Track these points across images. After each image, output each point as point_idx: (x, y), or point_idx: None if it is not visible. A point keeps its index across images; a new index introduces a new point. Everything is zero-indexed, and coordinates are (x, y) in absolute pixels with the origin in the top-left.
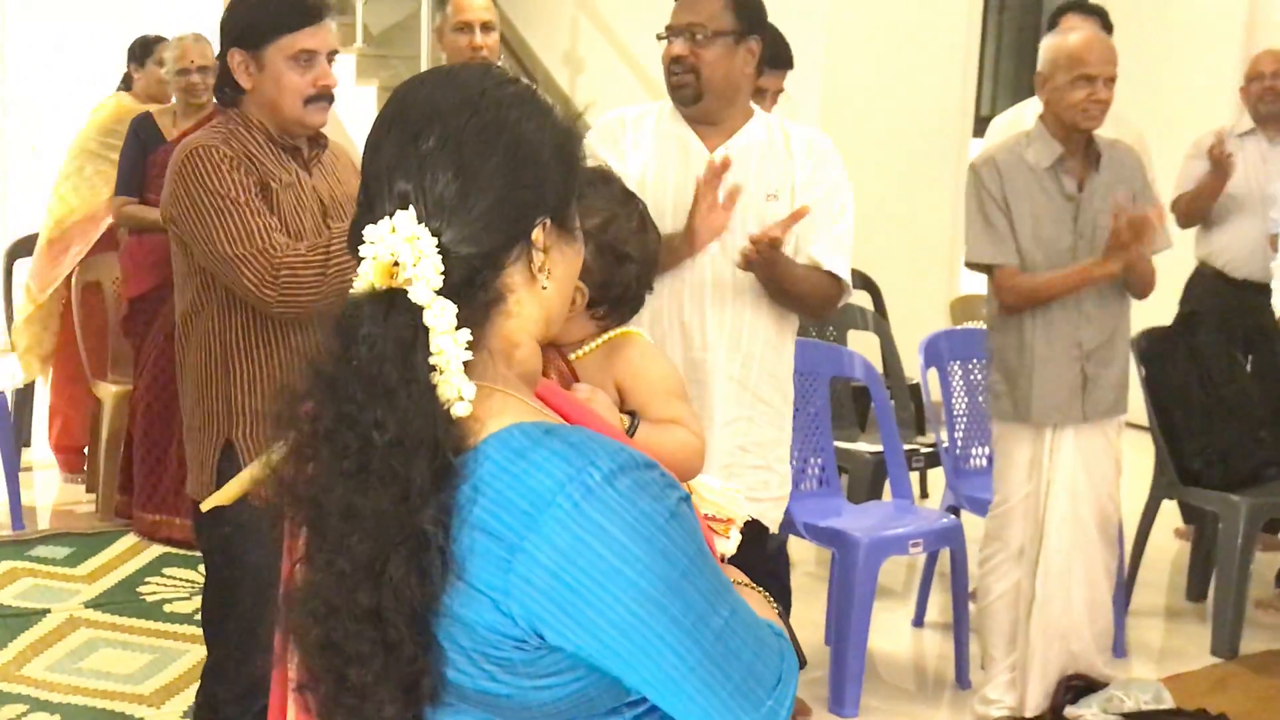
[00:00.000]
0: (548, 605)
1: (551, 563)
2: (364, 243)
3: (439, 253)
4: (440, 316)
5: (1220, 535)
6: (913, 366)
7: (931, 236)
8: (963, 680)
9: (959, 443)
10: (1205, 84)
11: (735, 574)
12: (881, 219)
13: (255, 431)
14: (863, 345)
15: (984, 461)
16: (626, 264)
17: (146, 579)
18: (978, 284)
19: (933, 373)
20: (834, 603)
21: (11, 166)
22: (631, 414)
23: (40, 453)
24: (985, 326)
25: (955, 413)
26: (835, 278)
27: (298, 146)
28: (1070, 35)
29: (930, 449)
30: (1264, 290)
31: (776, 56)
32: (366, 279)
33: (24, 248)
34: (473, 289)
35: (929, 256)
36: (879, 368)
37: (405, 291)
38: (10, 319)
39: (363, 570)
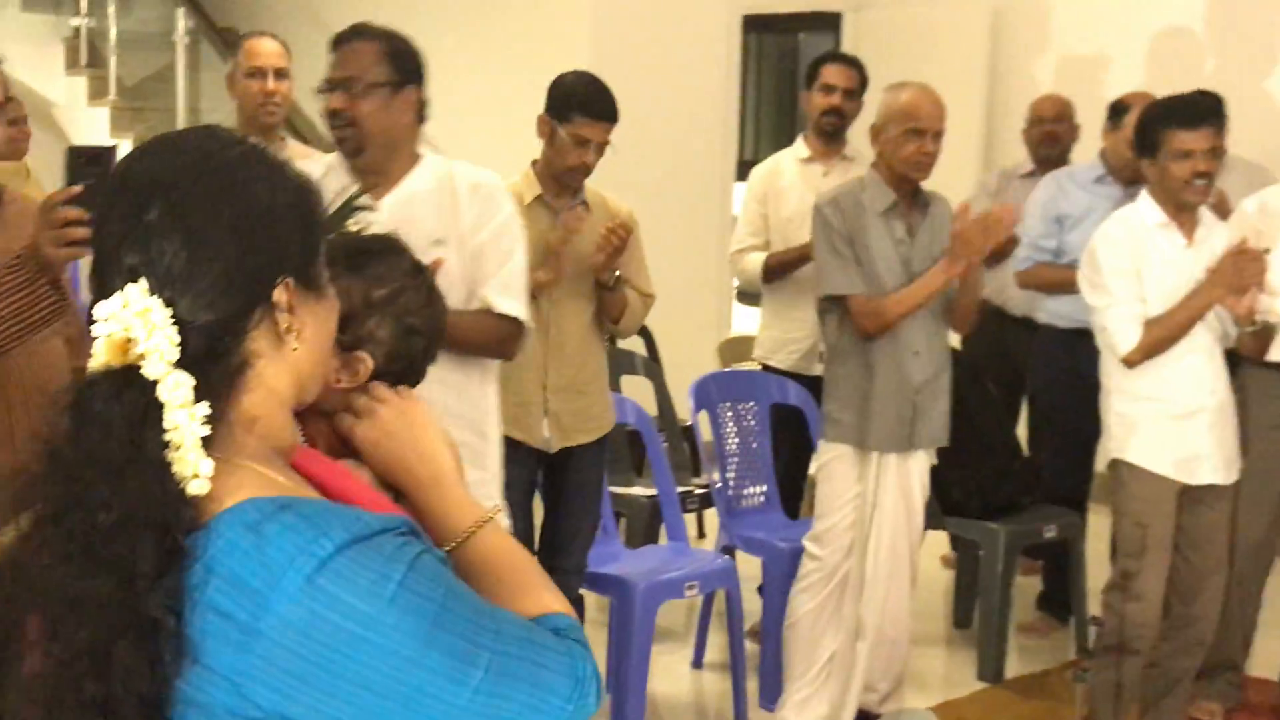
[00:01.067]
0: (293, 684)
1: (291, 641)
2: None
3: (174, 323)
4: (175, 390)
5: (981, 563)
6: (686, 409)
7: (701, 280)
8: (740, 718)
9: (731, 483)
10: (953, 127)
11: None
12: (650, 264)
13: None
14: (637, 390)
15: (759, 500)
16: (414, 336)
17: None
18: (748, 325)
19: (704, 415)
20: (613, 649)
21: None
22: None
23: None
24: (826, 360)
25: (728, 453)
26: (510, 318)
27: None
28: (902, 92)
29: (705, 490)
30: (1025, 326)
31: (601, 108)
32: (100, 357)
33: None
34: (214, 358)
35: (700, 300)
36: (654, 411)
37: (139, 367)
38: None
39: (88, 659)
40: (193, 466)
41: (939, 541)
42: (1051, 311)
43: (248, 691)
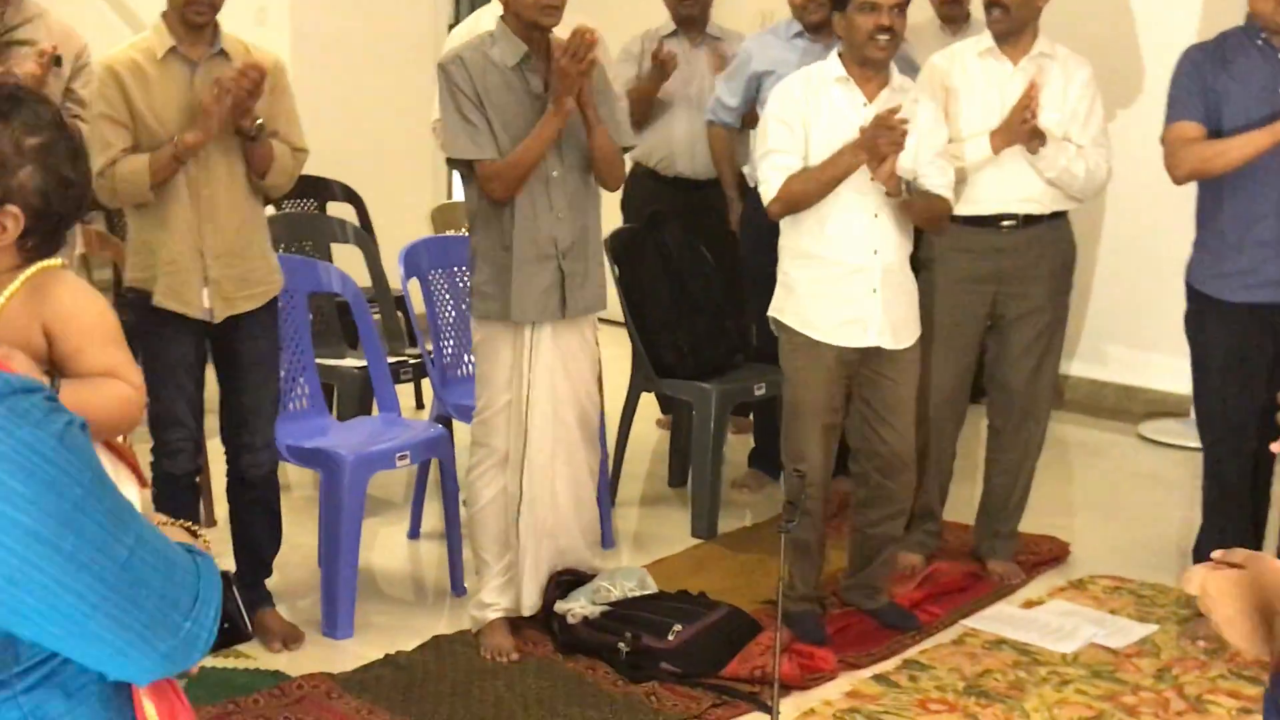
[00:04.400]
0: None
1: None
2: None
3: None
4: None
5: (694, 422)
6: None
7: (412, 145)
8: (457, 587)
9: (446, 353)
10: None
11: (159, 517)
12: (361, 130)
13: None
14: (347, 260)
15: (472, 369)
16: (69, 189)
17: None
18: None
19: (415, 283)
20: (323, 524)
21: None
22: (51, 374)
23: None
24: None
25: (441, 322)
26: None
27: None
28: None
29: (419, 360)
30: (704, 186)
31: None
32: None
33: None
34: None
35: (411, 166)
36: (366, 282)
37: None
38: None
39: None
40: None
41: (652, 404)
42: None
43: None
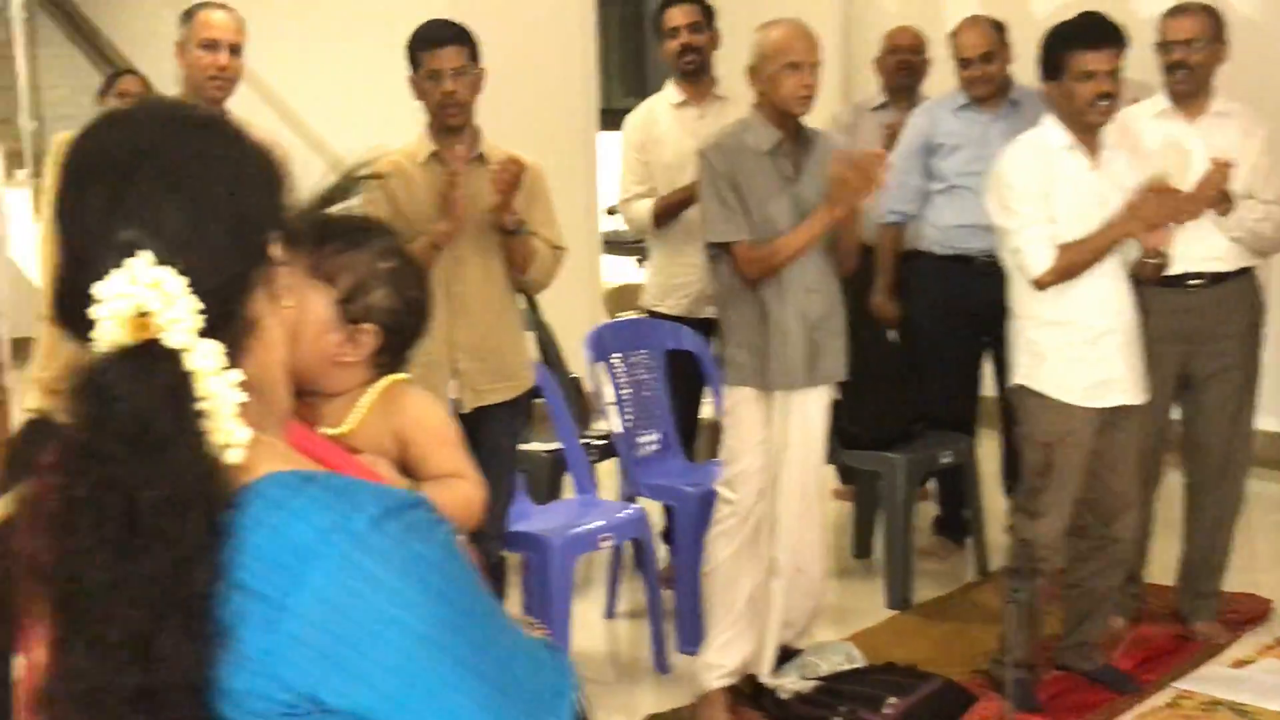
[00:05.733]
0: (321, 663)
1: (322, 617)
2: (88, 305)
3: (189, 290)
4: (207, 358)
5: (883, 492)
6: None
7: (571, 229)
8: (662, 665)
9: (634, 434)
10: None
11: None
12: None
13: None
14: None
15: (654, 448)
16: (414, 310)
17: None
18: (619, 274)
19: (600, 365)
20: (532, 607)
21: None
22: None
23: None
24: (715, 304)
25: (624, 403)
26: None
27: None
28: (773, 29)
29: (602, 441)
30: (868, 252)
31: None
32: (109, 338)
33: None
34: (226, 323)
35: (572, 250)
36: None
37: (159, 340)
38: None
39: (128, 648)
40: (228, 435)
41: (827, 476)
42: (929, 239)
43: (277, 671)
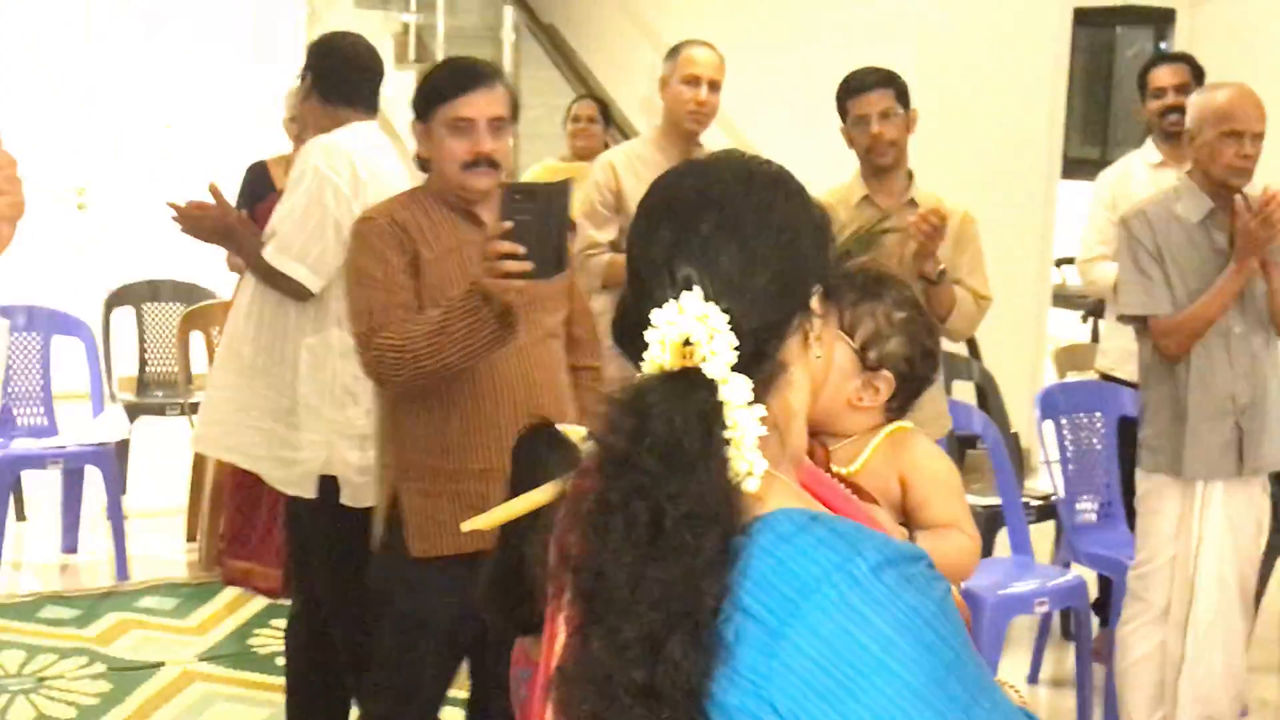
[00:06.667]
0: (810, 695)
1: (815, 652)
2: (644, 329)
3: (730, 328)
4: (738, 391)
5: None
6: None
7: (1021, 282)
8: None
9: (1078, 500)
10: None
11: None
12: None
13: (418, 485)
14: (960, 396)
15: (1092, 516)
16: (928, 358)
17: (255, 631)
18: (1066, 329)
19: (1048, 425)
20: None
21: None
22: (906, 525)
23: (135, 501)
24: (1139, 382)
25: (1069, 467)
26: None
27: (472, 211)
28: (1218, 92)
29: (1040, 502)
30: None
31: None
32: (655, 361)
33: (122, 297)
34: (759, 362)
35: (1019, 303)
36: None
37: (699, 369)
38: (110, 370)
39: (643, 644)
40: (749, 465)
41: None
42: None
43: (767, 694)
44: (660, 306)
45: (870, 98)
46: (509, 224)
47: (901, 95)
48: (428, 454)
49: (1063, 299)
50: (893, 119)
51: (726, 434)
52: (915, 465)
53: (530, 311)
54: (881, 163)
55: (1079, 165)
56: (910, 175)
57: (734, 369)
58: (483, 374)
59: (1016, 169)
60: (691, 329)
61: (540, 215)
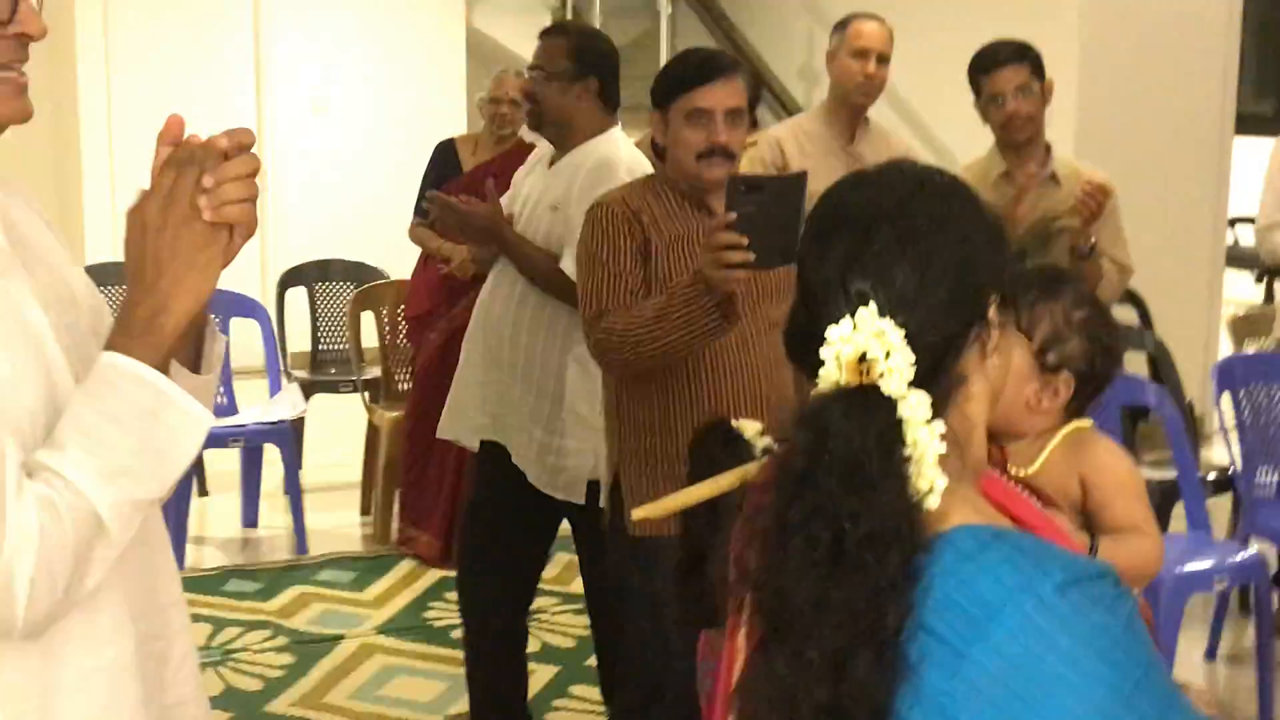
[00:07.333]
0: (995, 714)
1: (1000, 671)
2: (819, 346)
3: (906, 343)
4: (917, 408)
5: None
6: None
7: (1192, 244)
8: (1266, 715)
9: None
10: None
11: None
12: (1138, 228)
13: (635, 470)
14: (1130, 364)
15: (1271, 492)
16: (1108, 356)
17: (430, 604)
18: (1238, 289)
19: (1226, 397)
20: None
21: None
22: (1091, 533)
23: (310, 476)
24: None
25: (1253, 440)
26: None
27: (704, 201)
28: None
29: (1216, 474)
30: None
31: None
32: (830, 377)
33: (295, 277)
34: (937, 376)
35: (1189, 267)
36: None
37: (877, 386)
38: (284, 348)
39: (827, 663)
40: (929, 482)
41: None
42: None
43: (953, 714)
44: (835, 322)
45: (1005, 73)
46: (733, 215)
47: (1036, 68)
48: (648, 436)
49: (1236, 259)
50: (1029, 94)
51: (906, 452)
52: (1096, 467)
53: (755, 302)
54: (1019, 139)
55: (1253, 121)
56: (1048, 148)
57: (911, 384)
58: (705, 360)
59: (1188, 126)
60: (867, 345)
61: (765, 207)
